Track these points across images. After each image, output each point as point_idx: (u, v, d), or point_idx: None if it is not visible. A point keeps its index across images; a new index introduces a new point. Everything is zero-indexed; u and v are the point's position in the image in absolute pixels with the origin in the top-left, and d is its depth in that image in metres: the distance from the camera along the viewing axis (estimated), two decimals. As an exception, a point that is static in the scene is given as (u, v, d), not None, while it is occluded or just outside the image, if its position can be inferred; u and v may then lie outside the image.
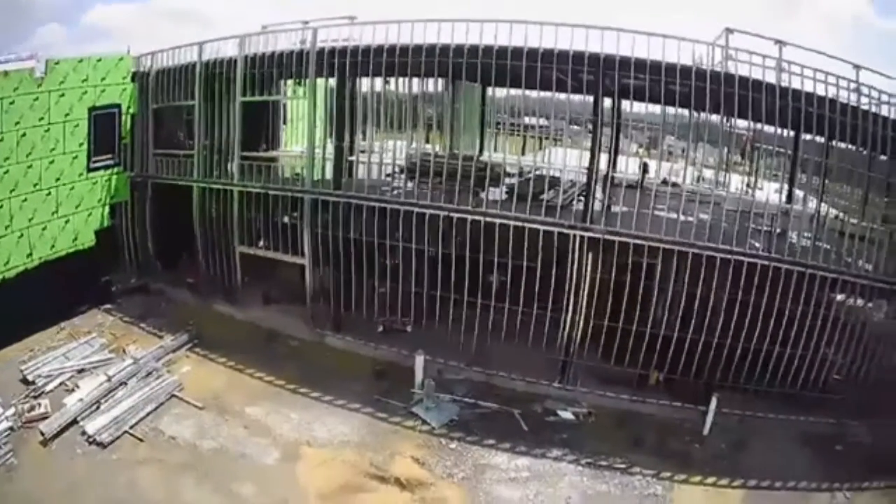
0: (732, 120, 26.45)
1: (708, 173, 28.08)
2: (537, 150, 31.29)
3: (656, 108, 23.95)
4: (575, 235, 23.10)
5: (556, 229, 23.25)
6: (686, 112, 25.60)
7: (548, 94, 25.82)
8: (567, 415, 23.25)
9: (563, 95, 24.10)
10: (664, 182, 27.43)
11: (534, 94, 26.48)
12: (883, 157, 23.44)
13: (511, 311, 24.50)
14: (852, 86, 22.49)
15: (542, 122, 28.60)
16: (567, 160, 25.69)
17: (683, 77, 22.22)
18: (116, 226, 28.44)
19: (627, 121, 28.26)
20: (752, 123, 25.77)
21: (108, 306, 27.31)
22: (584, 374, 24.26)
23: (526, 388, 24.16)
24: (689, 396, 23.34)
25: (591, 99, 24.95)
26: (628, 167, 28.03)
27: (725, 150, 25.35)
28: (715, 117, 24.66)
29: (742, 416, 22.94)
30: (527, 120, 30.20)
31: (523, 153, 33.46)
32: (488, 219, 23.80)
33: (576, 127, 29.00)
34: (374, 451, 21.15)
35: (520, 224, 23.54)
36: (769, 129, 23.32)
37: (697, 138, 25.69)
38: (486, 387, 24.27)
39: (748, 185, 28.61)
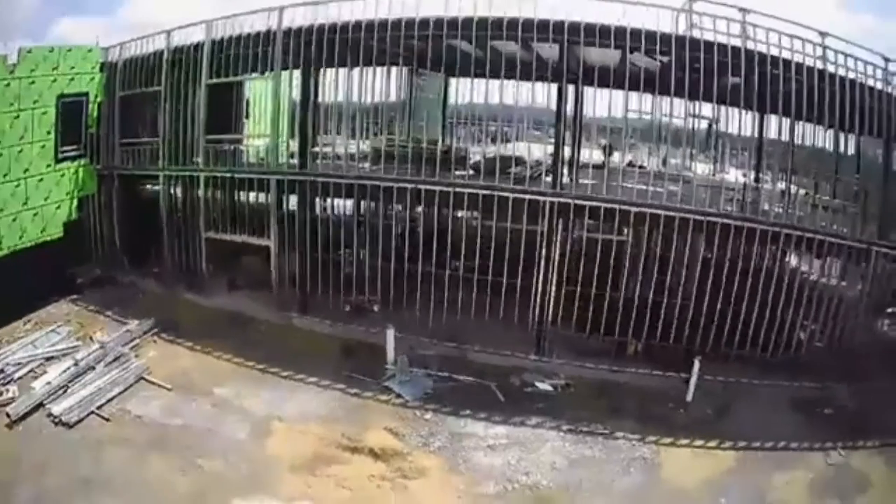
0: (697, 104, 25.58)
1: (673, 160, 27.23)
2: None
3: (618, 111, 23.29)
4: (545, 202, 22.26)
5: (525, 196, 22.35)
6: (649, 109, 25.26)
7: (510, 83, 25.01)
8: (545, 386, 22.16)
9: (526, 86, 23.37)
10: (630, 164, 26.60)
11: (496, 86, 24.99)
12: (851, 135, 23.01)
13: (482, 283, 23.50)
14: (818, 51, 21.79)
15: (505, 128, 27.52)
16: (531, 150, 25.33)
17: (648, 42, 21.48)
18: (84, 218, 27.27)
19: (590, 125, 27.66)
20: (715, 106, 25.26)
21: (74, 297, 26.04)
22: (560, 346, 23.22)
23: (501, 362, 22.98)
24: (670, 364, 22.36)
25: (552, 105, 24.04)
26: (592, 156, 27.27)
27: (688, 145, 24.35)
28: (678, 101, 23.64)
29: (725, 382, 21.92)
30: (491, 127, 29.32)
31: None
32: (457, 189, 22.88)
33: (537, 132, 28.48)
34: (347, 424, 19.98)
35: (488, 193, 22.59)
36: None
37: (660, 138, 25.13)
38: (460, 361, 23.07)
39: (714, 172, 27.96)
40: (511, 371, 22.66)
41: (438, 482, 18.04)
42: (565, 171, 23.54)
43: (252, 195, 26.82)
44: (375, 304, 24.92)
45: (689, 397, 21.51)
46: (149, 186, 28.94)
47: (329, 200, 25.31)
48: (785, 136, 24.26)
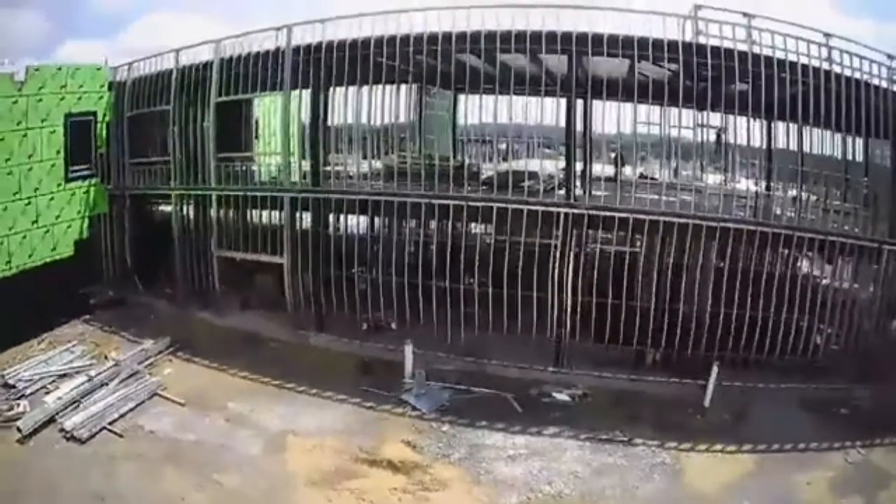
0: (705, 114, 25.14)
1: (684, 172, 26.81)
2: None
3: (627, 124, 22.96)
4: (558, 213, 21.71)
5: (539, 208, 21.84)
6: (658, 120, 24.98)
7: (520, 99, 24.62)
8: (562, 396, 21.50)
9: (535, 102, 22.83)
10: (642, 176, 26.13)
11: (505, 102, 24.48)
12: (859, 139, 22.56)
13: (498, 297, 22.84)
14: (823, 52, 21.42)
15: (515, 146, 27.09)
16: (543, 165, 24.92)
17: (656, 50, 21.08)
18: (95, 238, 26.74)
19: (600, 140, 27.24)
20: (724, 116, 24.87)
21: (87, 317, 25.46)
22: (578, 358, 22.53)
23: (519, 375, 22.31)
24: (687, 372, 21.66)
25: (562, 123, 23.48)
26: (604, 169, 26.78)
27: (698, 156, 23.96)
28: (687, 111, 23.23)
29: (742, 387, 21.30)
30: (501, 146, 28.89)
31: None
32: (470, 203, 22.37)
33: (548, 150, 28.07)
34: (364, 437, 19.32)
35: (502, 206, 22.08)
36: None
37: (671, 150, 24.72)
38: (477, 375, 22.37)
39: (725, 182, 27.51)
40: (529, 383, 22.00)
41: (461, 493, 17.37)
42: (577, 183, 22.97)
43: (265, 213, 26.26)
44: (392, 321, 24.26)
45: (707, 403, 20.87)
46: (160, 206, 28.45)
47: (342, 217, 24.69)
48: (794, 143, 23.78)
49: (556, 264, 21.97)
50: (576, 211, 21.61)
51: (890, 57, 21.78)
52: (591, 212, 21.60)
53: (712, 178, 25.69)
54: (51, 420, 19.12)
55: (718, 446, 19.12)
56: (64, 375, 21.45)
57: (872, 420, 19.91)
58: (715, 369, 20.79)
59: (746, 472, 18.14)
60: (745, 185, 27.82)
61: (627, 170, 26.67)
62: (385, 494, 17.15)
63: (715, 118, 25.12)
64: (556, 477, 17.90)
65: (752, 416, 20.41)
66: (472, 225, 25.21)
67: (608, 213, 21.54)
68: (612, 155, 27.94)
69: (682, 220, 21.35)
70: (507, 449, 19.01)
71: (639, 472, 18.21)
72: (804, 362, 21.93)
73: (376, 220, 25.94)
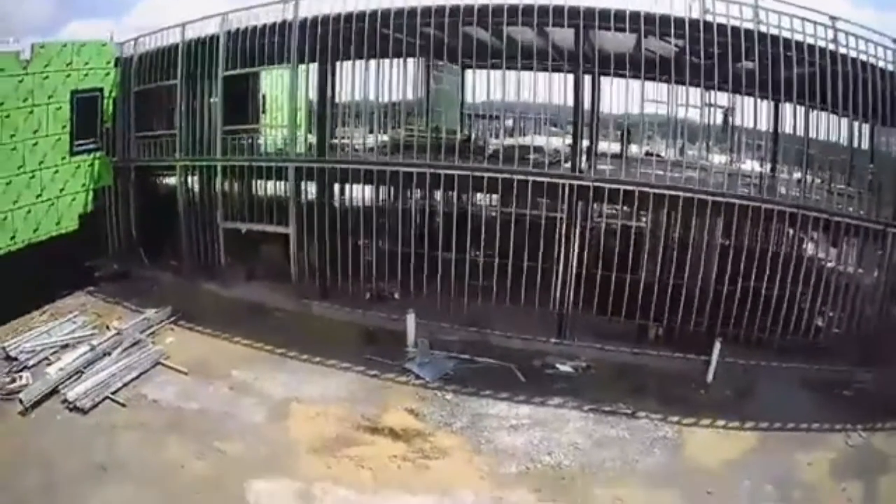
0: (712, 93, 24.73)
1: (690, 152, 26.41)
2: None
3: (634, 102, 22.76)
4: (564, 184, 21.40)
5: (544, 179, 21.56)
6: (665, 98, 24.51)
7: (527, 75, 24.24)
8: (566, 368, 21.28)
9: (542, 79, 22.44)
10: (647, 154, 25.77)
11: (512, 78, 24.16)
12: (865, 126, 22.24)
13: (503, 268, 22.56)
14: (830, 34, 21.03)
15: (522, 123, 26.81)
16: (550, 141, 24.51)
17: (663, 26, 20.75)
18: (99, 211, 26.49)
19: (607, 119, 26.90)
20: (730, 96, 24.40)
21: (90, 289, 25.15)
22: (581, 330, 22.33)
23: (522, 346, 22.08)
24: (690, 347, 21.41)
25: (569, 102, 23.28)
26: (610, 147, 26.38)
27: (704, 136, 23.80)
28: (694, 90, 22.87)
29: (745, 365, 21.03)
30: (508, 123, 28.57)
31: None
32: (476, 173, 22.10)
33: (554, 128, 27.65)
34: (366, 405, 19.18)
35: (508, 177, 21.76)
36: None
37: (677, 129, 24.34)
38: (481, 345, 22.16)
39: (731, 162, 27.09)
40: (532, 354, 21.78)
41: (461, 462, 17.20)
42: (583, 158, 22.62)
43: (270, 185, 26.00)
44: (396, 291, 24.07)
45: (710, 378, 20.65)
46: (165, 179, 28.18)
47: (348, 187, 24.39)
48: (800, 125, 23.36)
49: (561, 237, 21.68)
50: (581, 183, 21.31)
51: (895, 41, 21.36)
52: (597, 184, 21.28)
53: (718, 159, 25.32)
54: (53, 391, 18.91)
55: (721, 422, 18.91)
56: (66, 346, 21.23)
57: (874, 404, 19.62)
58: (718, 345, 20.55)
59: (748, 450, 17.93)
60: (750, 165, 27.42)
61: (633, 148, 26.33)
62: (385, 462, 17.02)
63: (722, 98, 24.67)
64: (557, 448, 17.72)
65: (755, 393, 20.18)
66: (478, 196, 24.89)
67: (613, 186, 21.26)
68: (619, 132, 27.54)
69: (688, 195, 21.01)
70: (510, 419, 18.83)
71: (640, 445, 18.01)
72: (806, 343, 21.69)
73: (381, 190, 25.71)
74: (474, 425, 18.48)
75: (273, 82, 27.53)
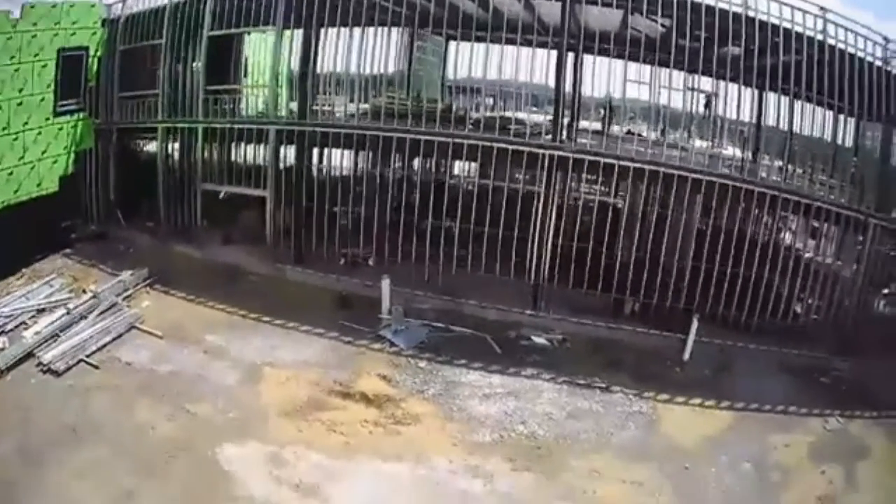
0: (696, 77, 24.10)
1: (672, 136, 25.80)
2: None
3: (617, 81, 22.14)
4: (544, 154, 20.74)
5: (524, 148, 20.90)
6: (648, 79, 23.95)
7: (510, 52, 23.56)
8: (541, 340, 20.77)
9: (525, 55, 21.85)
10: (629, 132, 25.12)
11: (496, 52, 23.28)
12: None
13: (479, 236, 21.99)
14: (819, 24, 20.36)
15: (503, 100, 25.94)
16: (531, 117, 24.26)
17: (650, 3, 20.03)
18: (79, 173, 25.46)
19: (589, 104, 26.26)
20: (714, 81, 23.66)
21: (67, 251, 24.20)
22: (557, 303, 21.75)
23: (497, 317, 21.51)
24: (667, 325, 20.97)
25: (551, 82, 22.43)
26: (592, 125, 25.79)
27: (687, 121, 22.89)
28: (678, 74, 22.15)
29: (722, 346, 20.59)
30: (489, 101, 27.75)
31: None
32: (456, 140, 21.36)
33: (535, 108, 27.05)
34: (339, 370, 18.63)
35: (488, 144, 21.07)
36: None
37: (659, 113, 23.76)
38: (455, 314, 21.56)
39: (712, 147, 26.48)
40: (508, 326, 21.24)
41: (433, 429, 16.80)
42: (565, 132, 21.97)
43: (250, 148, 25.12)
44: (371, 257, 23.31)
45: (687, 356, 20.22)
46: (146, 142, 27.28)
47: (327, 152, 23.52)
48: (784, 115, 22.73)
49: (539, 208, 21.07)
50: (561, 153, 20.68)
51: (886, 39, 20.75)
52: (577, 155, 20.66)
53: (700, 143, 24.76)
54: (29, 355, 18.23)
55: (697, 400, 18.53)
56: (43, 310, 20.44)
57: (851, 392, 19.34)
58: (695, 323, 20.14)
59: (725, 428, 17.58)
60: (732, 151, 26.85)
61: (615, 128, 25.72)
62: (356, 427, 16.56)
63: (706, 83, 24.06)
64: (531, 418, 17.33)
65: (732, 374, 19.81)
66: (457, 166, 24.20)
67: (593, 158, 20.63)
68: (601, 111, 26.90)
69: (668, 171, 20.45)
70: (483, 388, 18.39)
71: (615, 418, 17.63)
72: (784, 328, 21.24)
73: (360, 156, 25.05)
74: (447, 392, 18.03)
75: (256, 47, 26.64)
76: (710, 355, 20.23)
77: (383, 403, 17.33)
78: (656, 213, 21.08)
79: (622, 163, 20.47)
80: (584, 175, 21.73)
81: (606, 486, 15.21)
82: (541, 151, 20.69)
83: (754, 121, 25.13)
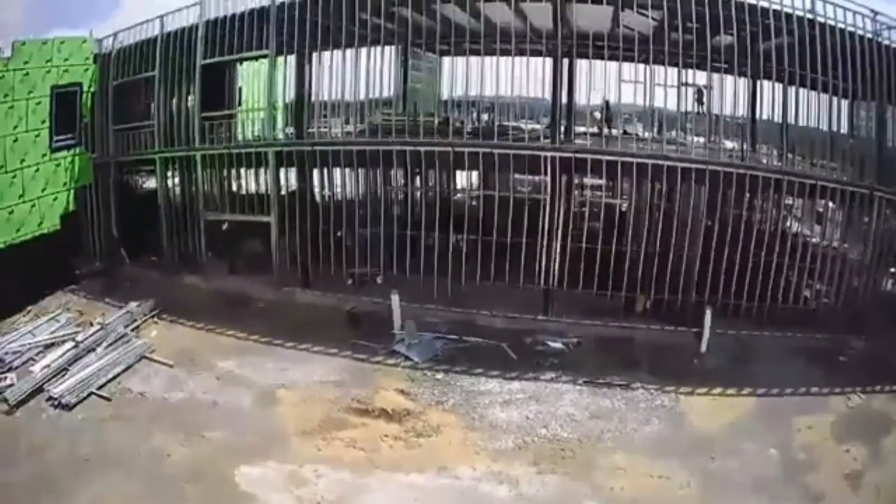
0: (690, 72, 23.57)
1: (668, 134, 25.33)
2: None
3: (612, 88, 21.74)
4: (546, 156, 20.25)
5: (525, 152, 20.45)
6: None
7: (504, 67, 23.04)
8: (556, 344, 20.09)
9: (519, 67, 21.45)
10: (625, 133, 24.64)
11: (489, 69, 22.81)
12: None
13: (486, 246, 21.41)
14: (807, 3, 19.96)
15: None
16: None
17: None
18: (80, 210, 24.95)
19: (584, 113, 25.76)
20: (709, 74, 23.23)
21: (72, 287, 23.57)
22: (568, 306, 21.10)
23: (510, 325, 20.85)
24: (680, 320, 20.36)
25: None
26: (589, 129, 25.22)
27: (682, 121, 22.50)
28: (672, 71, 21.75)
29: (737, 336, 19.96)
30: (484, 117, 27.41)
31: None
32: (456, 149, 20.88)
33: (531, 120, 26.58)
34: (356, 388, 18.00)
35: (488, 151, 20.60)
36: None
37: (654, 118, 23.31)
38: (468, 325, 20.89)
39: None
40: (521, 332, 20.55)
41: (455, 438, 16.17)
42: (563, 133, 21.48)
43: (250, 174, 24.36)
44: (378, 275, 22.58)
45: (703, 348, 19.61)
46: (145, 175, 26.71)
47: (327, 171, 22.90)
48: (779, 103, 22.15)
49: (545, 212, 20.55)
50: (562, 154, 20.17)
51: (874, 12, 20.34)
52: (578, 155, 20.16)
53: (697, 140, 24.32)
54: (39, 389, 17.64)
55: (718, 390, 17.98)
56: (51, 345, 19.82)
57: (870, 368, 18.67)
58: (709, 314, 19.56)
59: (748, 415, 17.02)
60: (730, 144, 26.41)
61: (613, 131, 25.23)
62: (376, 442, 15.96)
63: (701, 77, 23.48)
64: (553, 420, 16.76)
65: (750, 362, 19.20)
66: (459, 177, 23.71)
67: (595, 157, 20.13)
68: (598, 115, 26.41)
69: (669, 163, 20.00)
70: (503, 394, 17.83)
71: (637, 415, 17.08)
72: (796, 314, 20.66)
73: (360, 173, 24.40)
74: (467, 402, 17.42)
75: (250, 73, 26.17)
76: (726, 346, 19.65)
77: (403, 417, 16.72)
78: (662, 207, 20.56)
79: (624, 159, 20.02)
80: (586, 179, 21.15)
81: (634, 483, 14.60)
82: (542, 153, 20.25)
83: (749, 112, 24.60)
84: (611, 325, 20.47)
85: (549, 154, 20.19)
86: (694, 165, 19.90)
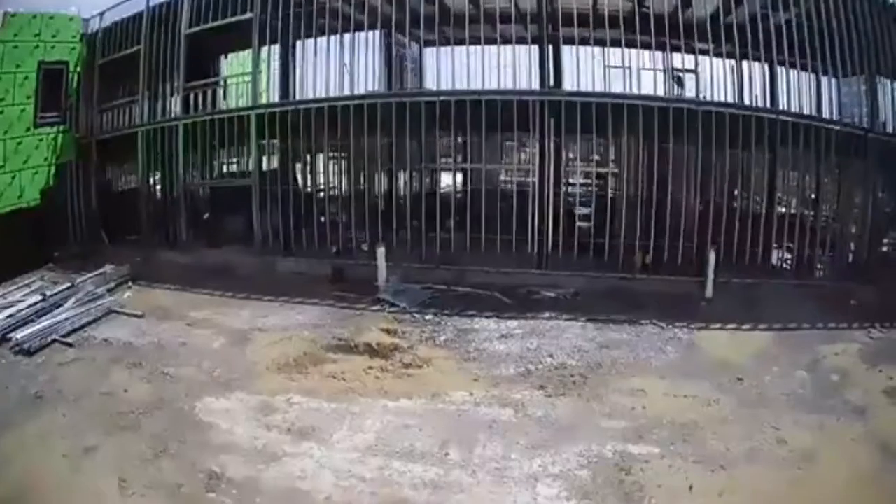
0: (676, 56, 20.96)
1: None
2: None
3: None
4: (535, 101, 17.44)
5: (514, 98, 17.60)
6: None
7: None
8: (552, 294, 16.73)
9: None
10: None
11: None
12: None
13: (476, 217, 18.42)
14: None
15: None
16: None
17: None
18: (61, 193, 21.69)
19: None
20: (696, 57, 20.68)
21: (50, 265, 20.03)
22: (563, 265, 17.73)
23: (502, 280, 17.34)
24: (682, 272, 17.27)
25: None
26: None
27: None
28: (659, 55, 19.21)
29: (742, 283, 16.81)
30: None
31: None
32: (442, 98, 17.96)
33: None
34: (337, 329, 14.75)
35: (476, 98, 17.72)
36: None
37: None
38: (459, 280, 17.51)
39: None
40: (515, 286, 17.12)
41: (449, 369, 13.01)
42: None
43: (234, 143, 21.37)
44: (364, 242, 19.20)
45: (709, 294, 16.46)
46: (128, 155, 23.39)
47: (312, 132, 19.79)
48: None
49: (535, 164, 17.71)
50: (552, 98, 17.34)
51: None
52: (568, 98, 17.29)
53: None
54: (2, 340, 14.48)
55: (732, 325, 14.98)
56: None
57: (885, 310, 15.57)
58: (712, 257, 16.50)
59: (769, 346, 14.08)
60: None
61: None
62: (359, 373, 12.70)
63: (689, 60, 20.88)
64: (558, 351, 13.59)
65: (761, 304, 16.00)
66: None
67: (586, 100, 17.19)
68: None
69: (661, 104, 17.24)
70: (500, 331, 14.66)
71: (651, 345, 13.98)
72: (799, 264, 17.83)
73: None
74: (461, 338, 14.25)
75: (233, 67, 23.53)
76: (733, 292, 16.49)
77: (390, 353, 13.49)
78: (656, 149, 17.63)
79: (615, 101, 17.21)
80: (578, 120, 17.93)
81: (656, 402, 11.50)
82: (531, 98, 17.41)
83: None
84: (609, 276, 17.24)
85: (538, 98, 17.36)
86: (686, 105, 17.16)
